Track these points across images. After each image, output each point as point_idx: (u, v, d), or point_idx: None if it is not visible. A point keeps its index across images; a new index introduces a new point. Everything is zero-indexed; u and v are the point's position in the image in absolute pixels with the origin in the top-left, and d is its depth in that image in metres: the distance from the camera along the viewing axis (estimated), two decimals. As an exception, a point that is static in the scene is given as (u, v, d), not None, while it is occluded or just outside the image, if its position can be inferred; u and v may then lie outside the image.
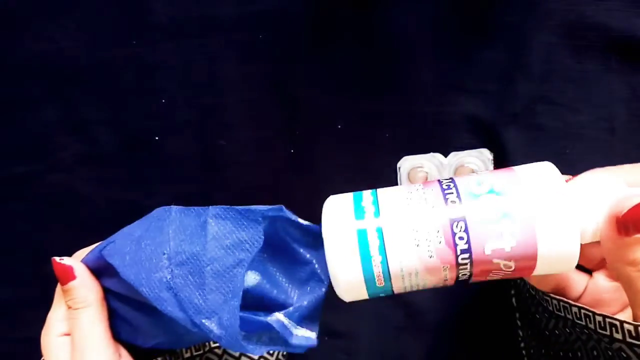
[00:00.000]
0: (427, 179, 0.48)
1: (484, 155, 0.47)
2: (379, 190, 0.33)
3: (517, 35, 0.46)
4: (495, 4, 0.45)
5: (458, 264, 0.30)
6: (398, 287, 0.32)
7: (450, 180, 0.32)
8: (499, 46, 0.46)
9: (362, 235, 0.31)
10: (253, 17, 0.47)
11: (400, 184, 0.47)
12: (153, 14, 0.47)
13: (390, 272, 0.31)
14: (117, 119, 0.48)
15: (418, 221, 0.30)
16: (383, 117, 0.47)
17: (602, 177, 0.32)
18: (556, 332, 0.36)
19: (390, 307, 0.49)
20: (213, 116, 0.48)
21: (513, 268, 0.31)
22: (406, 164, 0.47)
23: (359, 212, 0.31)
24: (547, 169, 0.32)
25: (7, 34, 0.48)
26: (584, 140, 0.46)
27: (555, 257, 0.30)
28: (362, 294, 0.32)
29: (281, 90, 0.48)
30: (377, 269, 0.31)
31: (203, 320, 0.31)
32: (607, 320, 0.31)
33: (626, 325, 0.30)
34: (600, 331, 0.32)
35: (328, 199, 0.34)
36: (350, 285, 0.31)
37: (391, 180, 0.47)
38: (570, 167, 0.46)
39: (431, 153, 0.47)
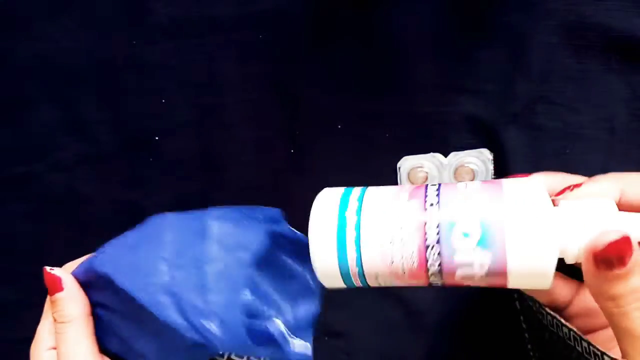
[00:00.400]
0: (427, 179, 0.48)
1: (484, 155, 0.47)
2: (369, 187, 0.33)
3: (516, 35, 0.46)
4: (495, 4, 0.45)
5: (428, 275, 0.31)
6: (372, 282, 0.32)
7: (436, 189, 0.32)
8: (498, 46, 0.46)
9: (341, 226, 0.31)
10: (253, 17, 0.47)
11: (400, 184, 0.47)
12: (153, 14, 0.47)
13: (364, 268, 0.31)
14: (117, 119, 0.48)
15: (395, 227, 0.30)
16: (383, 117, 0.47)
17: (596, 190, 0.32)
18: (551, 344, 0.36)
19: (390, 307, 0.49)
20: (213, 116, 0.48)
21: (485, 281, 0.30)
22: (406, 164, 0.47)
23: (344, 205, 0.32)
24: (533, 185, 0.31)
25: (7, 34, 0.48)
26: (583, 140, 0.46)
27: (527, 274, 0.29)
28: (339, 283, 0.33)
29: (281, 90, 0.48)
30: (352, 262, 0.31)
31: (202, 322, 0.31)
32: (591, 347, 0.31)
33: (606, 358, 0.30)
34: (586, 356, 0.32)
35: (322, 190, 0.35)
36: (327, 273, 0.32)
37: (391, 180, 0.47)
38: (570, 167, 0.46)
39: (431, 153, 0.47)
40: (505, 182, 0.31)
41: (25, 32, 0.48)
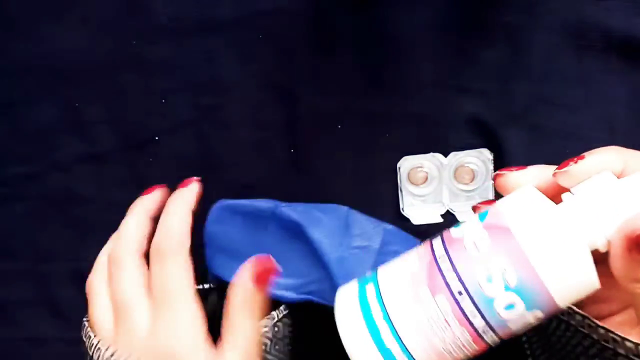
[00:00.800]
0: (427, 179, 0.48)
1: (484, 155, 0.47)
2: (380, 279, 0.31)
3: (517, 35, 0.46)
4: (496, 4, 0.45)
5: (488, 346, 0.30)
6: None
7: (451, 267, 0.29)
8: (499, 46, 0.46)
9: (377, 339, 0.29)
10: (253, 17, 0.47)
11: (400, 184, 0.47)
12: (153, 14, 0.47)
13: None
14: (117, 119, 0.48)
15: (438, 330, 0.29)
16: (383, 117, 0.47)
17: (599, 162, 0.30)
18: (558, 333, 0.36)
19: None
20: (213, 116, 0.48)
21: (541, 317, 0.29)
22: (406, 164, 0.47)
23: (367, 313, 0.30)
24: (537, 207, 0.29)
25: (7, 34, 0.48)
26: (584, 140, 0.46)
27: (576, 293, 0.28)
28: None
29: (281, 90, 0.48)
30: None
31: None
32: (610, 334, 0.31)
33: (627, 343, 0.30)
34: (604, 343, 0.31)
35: (337, 295, 0.32)
36: None
37: (391, 180, 0.47)
38: (570, 167, 0.46)
39: (431, 153, 0.47)
40: (507, 215, 0.29)
41: (26, 32, 0.48)
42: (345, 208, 0.45)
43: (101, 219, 0.49)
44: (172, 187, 0.49)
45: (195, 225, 0.47)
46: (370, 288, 0.31)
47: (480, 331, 0.28)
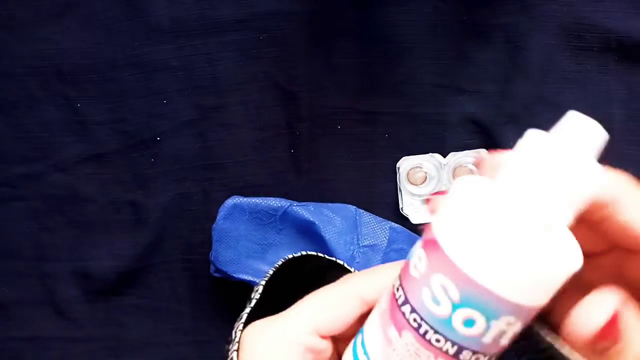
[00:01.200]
0: (426, 179, 0.48)
1: (482, 156, 0.47)
2: (364, 327, 0.28)
3: (515, 36, 0.46)
4: (494, 5, 0.46)
5: None
6: None
7: (404, 298, 0.26)
8: (497, 47, 0.46)
9: None
10: (253, 18, 0.47)
11: (400, 184, 0.48)
12: (154, 15, 0.47)
13: None
14: (118, 119, 0.48)
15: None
16: (383, 117, 0.48)
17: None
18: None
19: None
20: (214, 117, 0.48)
21: (516, 321, 0.25)
22: (405, 164, 0.48)
23: None
24: (455, 199, 0.25)
25: (8, 34, 0.48)
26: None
27: (538, 283, 0.24)
28: None
29: (281, 90, 0.48)
30: None
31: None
32: None
33: None
34: None
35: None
36: None
37: (391, 180, 0.48)
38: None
39: (430, 153, 0.48)
40: (434, 226, 0.25)
41: (27, 33, 0.48)
42: (352, 207, 0.47)
43: (102, 219, 0.49)
44: (172, 187, 0.49)
45: (203, 222, 0.48)
46: (359, 336, 0.29)
47: (455, 355, 0.25)
